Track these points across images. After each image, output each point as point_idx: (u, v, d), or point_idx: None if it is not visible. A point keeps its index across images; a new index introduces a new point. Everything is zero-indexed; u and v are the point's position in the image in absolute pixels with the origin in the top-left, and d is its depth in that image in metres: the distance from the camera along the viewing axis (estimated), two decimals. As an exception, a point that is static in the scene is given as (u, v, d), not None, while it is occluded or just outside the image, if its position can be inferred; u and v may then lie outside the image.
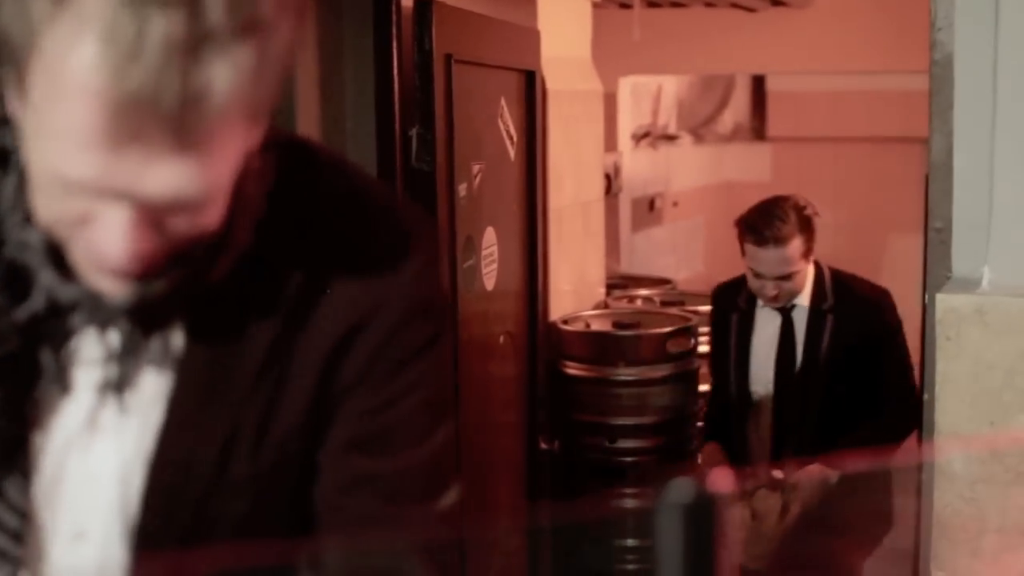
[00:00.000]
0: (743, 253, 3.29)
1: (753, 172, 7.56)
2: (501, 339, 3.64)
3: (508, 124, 3.63)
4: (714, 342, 3.60)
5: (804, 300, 3.32)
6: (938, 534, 1.77)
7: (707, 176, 7.41)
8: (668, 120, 6.91)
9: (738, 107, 7.65)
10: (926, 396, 1.86)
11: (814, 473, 3.21)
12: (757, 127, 7.66)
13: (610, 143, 5.45)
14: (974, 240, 1.87)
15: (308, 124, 2.92)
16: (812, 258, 3.31)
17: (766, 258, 3.22)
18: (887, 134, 6.81)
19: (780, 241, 3.19)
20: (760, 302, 3.38)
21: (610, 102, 5.26)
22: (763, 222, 3.20)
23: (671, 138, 6.90)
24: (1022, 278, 1.80)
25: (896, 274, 6.93)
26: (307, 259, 1.06)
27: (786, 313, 3.35)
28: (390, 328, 1.09)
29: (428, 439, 1.14)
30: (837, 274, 3.40)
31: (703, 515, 0.56)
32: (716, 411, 3.57)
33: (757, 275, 3.27)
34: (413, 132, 3.00)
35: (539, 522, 3.79)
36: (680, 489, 0.57)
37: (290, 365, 1.06)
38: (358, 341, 1.08)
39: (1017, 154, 1.81)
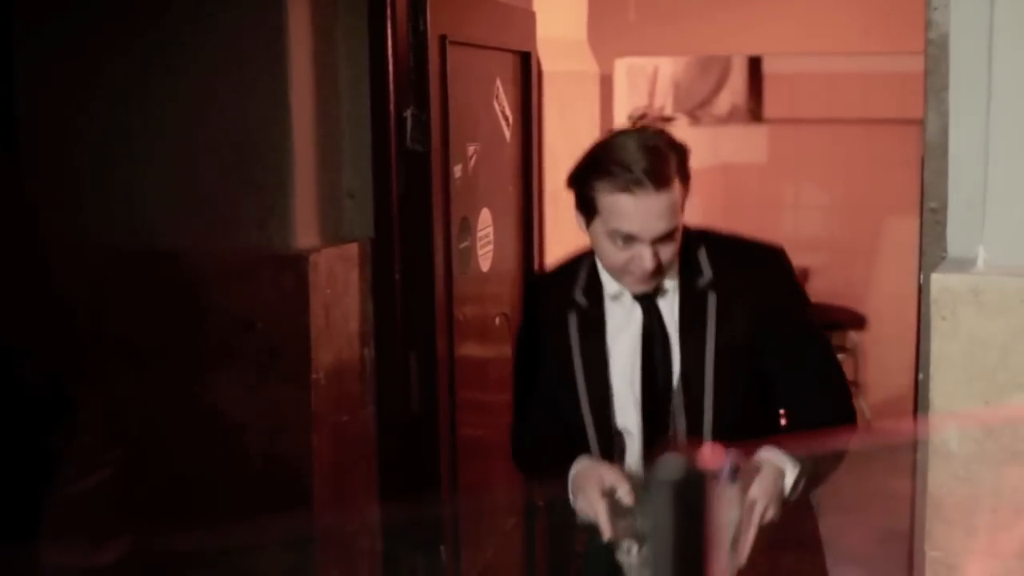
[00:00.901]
0: (590, 217, 2.21)
1: (750, 154, 7.55)
2: (496, 320, 3.64)
3: (503, 105, 3.62)
4: (525, 358, 2.47)
5: (671, 280, 2.28)
6: (932, 513, 1.78)
7: (703, 158, 7.39)
8: (664, 102, 6.89)
9: (735, 89, 7.62)
10: (921, 376, 1.86)
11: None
12: (754, 109, 7.63)
13: (606, 124, 5.44)
14: (969, 220, 1.87)
15: (302, 105, 2.91)
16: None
17: (644, 210, 2.13)
18: (883, 115, 6.80)
19: (663, 181, 2.13)
20: (610, 292, 2.32)
21: (606, 83, 5.24)
22: (632, 159, 2.13)
23: (667, 120, 6.88)
24: (1017, 258, 1.80)
25: (892, 255, 6.96)
26: None
27: (649, 302, 2.28)
28: None
29: None
30: (708, 236, 2.37)
31: (693, 491, 0.57)
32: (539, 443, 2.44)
33: (627, 240, 2.17)
34: (408, 113, 2.99)
35: (534, 501, 3.79)
36: (670, 466, 0.57)
37: None
38: None
39: (1012, 134, 1.81)
